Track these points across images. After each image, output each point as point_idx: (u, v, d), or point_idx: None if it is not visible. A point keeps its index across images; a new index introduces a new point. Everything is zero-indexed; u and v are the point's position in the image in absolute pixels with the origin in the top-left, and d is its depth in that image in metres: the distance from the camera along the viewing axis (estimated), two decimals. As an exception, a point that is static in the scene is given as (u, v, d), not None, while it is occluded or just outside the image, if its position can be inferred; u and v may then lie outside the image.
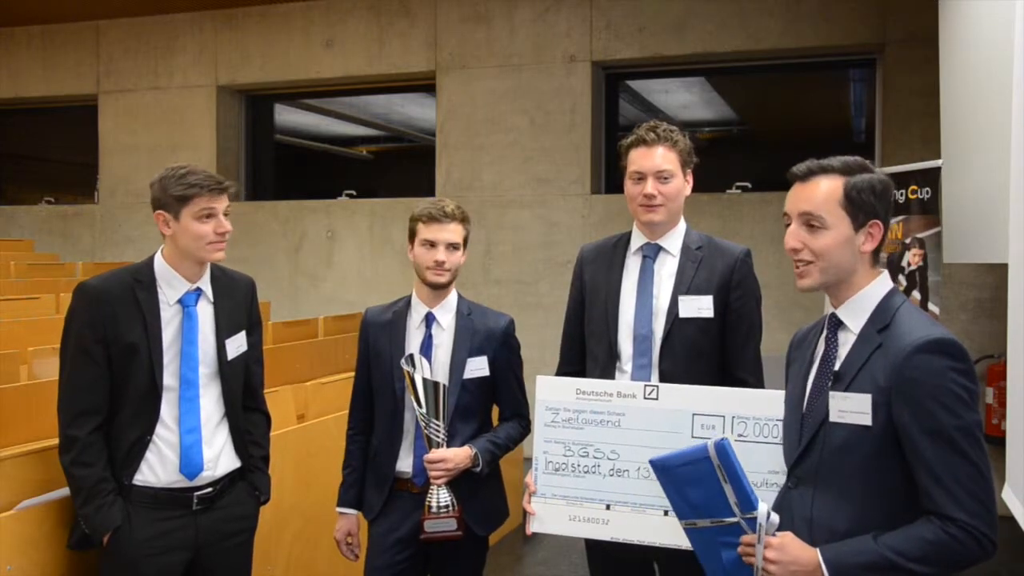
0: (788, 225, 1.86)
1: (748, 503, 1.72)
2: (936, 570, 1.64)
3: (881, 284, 1.82)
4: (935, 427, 1.65)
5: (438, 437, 2.55)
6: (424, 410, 2.53)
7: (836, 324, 1.85)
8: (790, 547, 1.71)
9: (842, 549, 1.69)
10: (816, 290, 1.85)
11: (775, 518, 1.73)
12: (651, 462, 1.88)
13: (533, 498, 2.40)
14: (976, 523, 1.62)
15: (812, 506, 1.78)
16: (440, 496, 2.55)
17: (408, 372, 2.55)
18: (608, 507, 2.34)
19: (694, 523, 1.84)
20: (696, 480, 1.76)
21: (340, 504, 2.78)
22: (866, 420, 1.71)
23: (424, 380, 2.54)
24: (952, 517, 1.62)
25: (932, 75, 4.39)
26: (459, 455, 2.56)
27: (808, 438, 1.81)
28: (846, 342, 1.82)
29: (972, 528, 1.62)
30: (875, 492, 1.72)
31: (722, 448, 1.69)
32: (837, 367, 1.81)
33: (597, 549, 2.49)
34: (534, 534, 2.42)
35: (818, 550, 1.70)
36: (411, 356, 2.58)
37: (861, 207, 1.78)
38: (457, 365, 2.65)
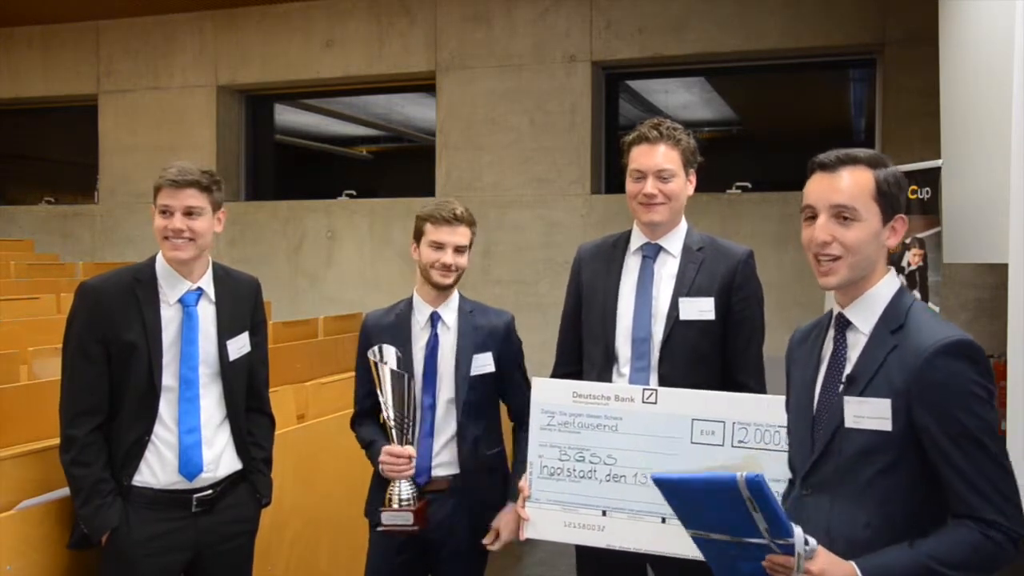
0: (811, 218, 1.76)
1: (782, 531, 1.62)
2: (974, 575, 1.61)
3: (890, 282, 1.76)
4: (962, 431, 1.61)
5: (403, 430, 2.52)
6: (389, 401, 2.50)
7: (844, 324, 1.78)
8: (829, 570, 1.61)
9: (879, 560, 1.63)
10: (841, 287, 1.76)
11: (813, 543, 1.63)
12: (656, 479, 1.76)
13: (527, 503, 2.35)
14: (1014, 525, 1.60)
15: (830, 515, 1.72)
16: (403, 489, 2.52)
17: (375, 363, 2.52)
18: (604, 513, 2.29)
19: (707, 535, 1.74)
20: (716, 504, 1.66)
21: (372, 455, 2.62)
22: (885, 425, 1.66)
23: (392, 372, 2.51)
24: (991, 520, 1.59)
25: (932, 75, 4.38)
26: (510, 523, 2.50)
27: (823, 444, 1.74)
28: (856, 343, 1.76)
29: (1010, 530, 1.60)
30: (895, 498, 1.67)
31: (756, 484, 1.58)
32: (849, 370, 1.74)
33: (588, 550, 2.42)
34: None
35: (854, 564, 1.62)
36: (380, 347, 2.55)
37: (890, 201, 1.73)
38: (464, 363, 2.64)
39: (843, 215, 1.72)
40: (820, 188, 1.75)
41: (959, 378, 1.62)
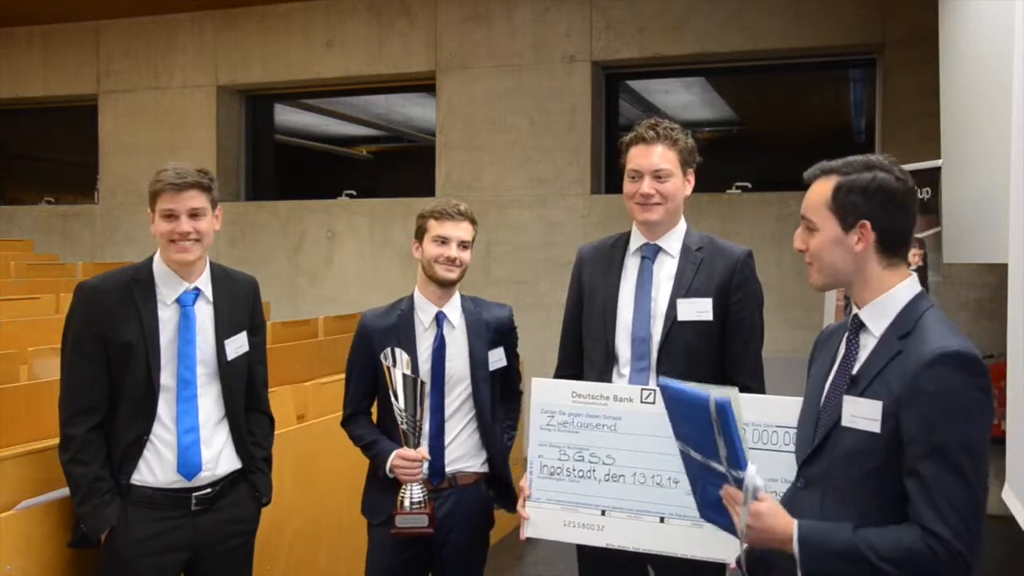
0: None
1: (737, 463, 1.69)
2: (903, 574, 1.61)
3: (907, 288, 1.78)
4: (939, 443, 1.61)
5: (415, 435, 2.54)
6: (402, 406, 2.52)
7: (858, 326, 1.82)
8: (766, 517, 1.70)
9: (819, 528, 1.69)
10: (826, 289, 1.85)
11: (759, 482, 1.71)
12: (660, 383, 1.85)
13: (527, 503, 2.37)
14: (957, 543, 1.59)
15: (820, 510, 1.75)
16: (413, 492, 2.54)
17: (388, 368, 2.53)
18: (603, 513, 2.31)
19: (688, 451, 1.82)
20: (693, 419, 1.74)
21: (377, 455, 2.63)
22: (875, 427, 1.68)
23: (404, 376, 2.52)
24: (935, 532, 1.60)
25: (932, 75, 4.38)
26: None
27: (820, 439, 1.79)
28: (866, 345, 1.79)
29: (952, 547, 1.59)
30: (878, 501, 1.68)
31: (722, 409, 1.65)
32: (855, 370, 1.78)
33: (589, 550, 2.44)
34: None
35: (795, 523, 1.69)
36: (392, 350, 2.56)
37: (848, 208, 1.76)
38: (479, 360, 2.65)
39: (807, 225, 1.84)
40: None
41: (949, 388, 1.63)
